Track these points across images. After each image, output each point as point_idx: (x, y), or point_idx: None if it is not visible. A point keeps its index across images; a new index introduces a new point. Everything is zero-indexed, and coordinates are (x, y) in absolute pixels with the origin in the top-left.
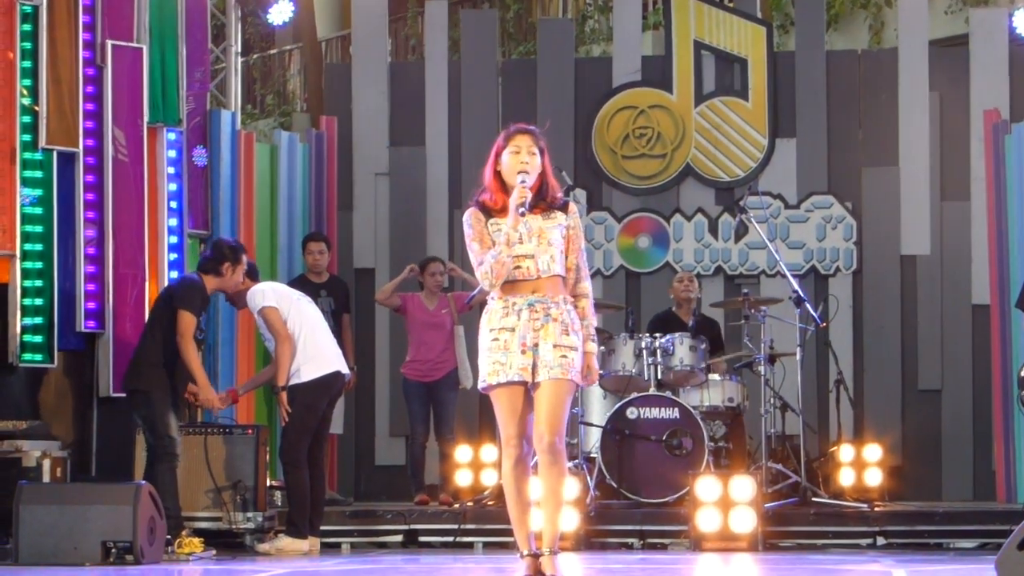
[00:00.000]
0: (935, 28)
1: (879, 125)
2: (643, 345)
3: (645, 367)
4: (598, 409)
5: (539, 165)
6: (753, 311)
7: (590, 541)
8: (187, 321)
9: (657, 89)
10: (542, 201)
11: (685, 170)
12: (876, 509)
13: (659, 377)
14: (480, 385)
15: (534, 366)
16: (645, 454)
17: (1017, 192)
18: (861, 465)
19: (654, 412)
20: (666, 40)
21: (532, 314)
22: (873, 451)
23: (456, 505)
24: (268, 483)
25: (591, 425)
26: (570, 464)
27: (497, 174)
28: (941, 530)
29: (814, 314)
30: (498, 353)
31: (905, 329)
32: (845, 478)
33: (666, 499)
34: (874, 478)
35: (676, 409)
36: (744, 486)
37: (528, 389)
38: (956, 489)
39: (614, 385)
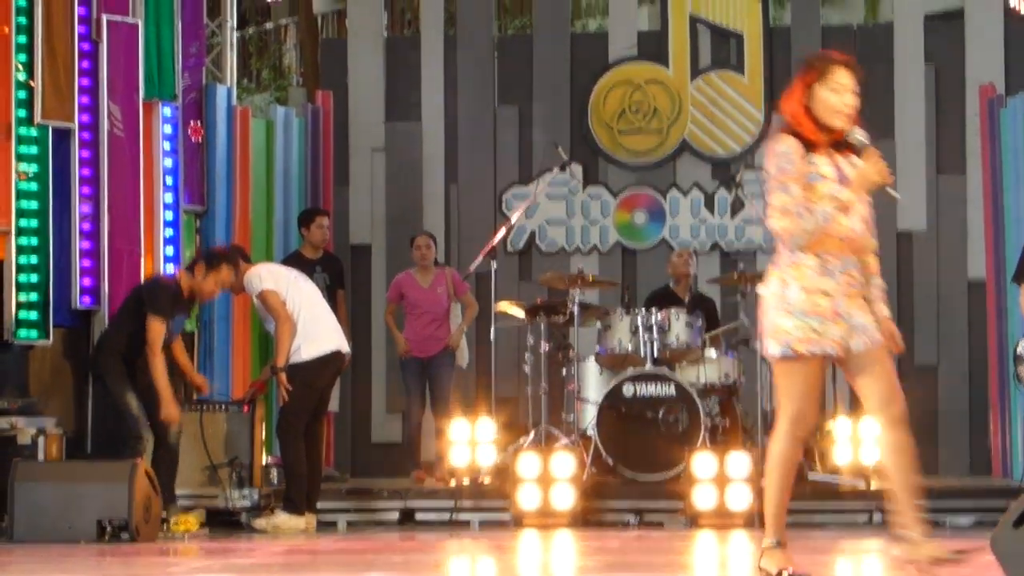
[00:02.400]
0: (930, 1)
1: (875, 99)
2: (639, 321)
3: (641, 344)
4: (594, 385)
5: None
6: (749, 287)
7: (586, 518)
8: (156, 329)
9: (653, 64)
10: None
11: (681, 145)
12: (872, 486)
13: (655, 354)
14: (779, 351)
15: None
16: (641, 431)
17: (1012, 166)
18: (857, 441)
19: (650, 389)
20: (662, 15)
21: (848, 279)
22: (869, 426)
23: (452, 483)
24: (265, 460)
25: (587, 402)
26: (565, 441)
27: (806, 107)
28: (937, 507)
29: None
30: (813, 319)
31: (901, 305)
32: (842, 454)
33: (662, 476)
34: (871, 454)
35: (672, 385)
36: (740, 463)
37: (832, 363)
38: (952, 465)
39: (610, 362)
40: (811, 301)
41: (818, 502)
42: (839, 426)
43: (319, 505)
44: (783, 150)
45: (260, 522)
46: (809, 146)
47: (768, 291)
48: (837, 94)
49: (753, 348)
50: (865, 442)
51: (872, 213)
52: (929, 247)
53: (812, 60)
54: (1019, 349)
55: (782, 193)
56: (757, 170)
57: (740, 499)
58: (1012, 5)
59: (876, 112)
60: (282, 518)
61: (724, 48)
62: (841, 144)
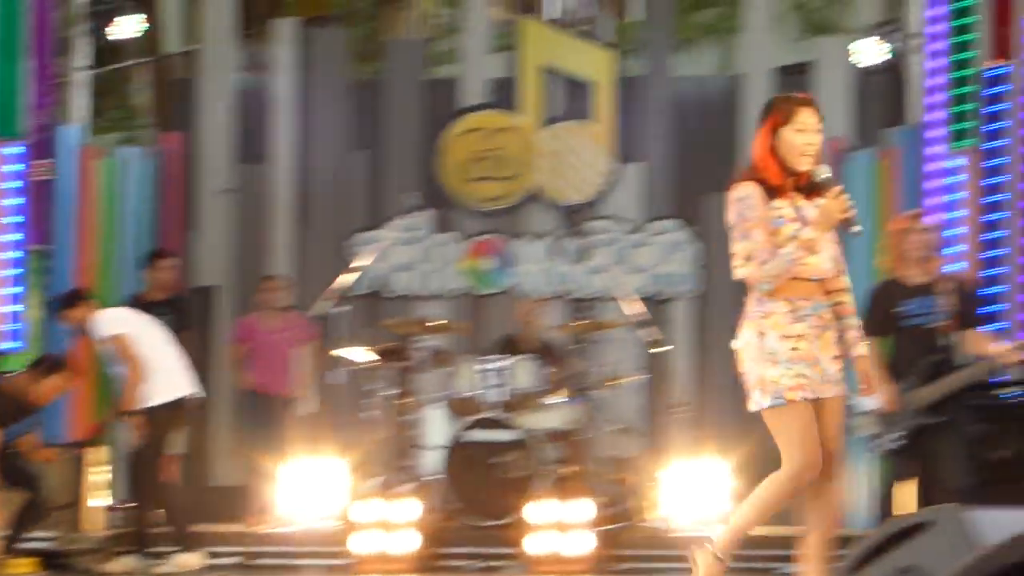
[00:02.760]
0: (781, 55)
1: (724, 150)
2: (486, 367)
3: (488, 390)
4: (439, 431)
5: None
6: (594, 334)
7: (427, 565)
8: None
9: (504, 112)
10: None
11: (531, 193)
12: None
13: (501, 400)
14: (770, 401)
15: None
16: (485, 477)
17: (860, 216)
18: (700, 489)
19: (495, 434)
20: (514, 63)
21: (817, 320)
22: (712, 474)
23: (290, 528)
24: (109, 503)
25: (431, 447)
26: (408, 486)
27: (772, 150)
28: (778, 555)
29: (653, 338)
30: (799, 364)
31: None
32: (683, 502)
33: (505, 522)
34: (714, 502)
35: (517, 432)
36: (580, 509)
37: None
38: (793, 514)
39: (456, 407)
40: (791, 348)
41: (656, 549)
42: (679, 474)
43: (154, 550)
44: (743, 196)
45: (162, 569)
46: (771, 191)
47: (743, 343)
48: (803, 134)
49: (596, 395)
50: (706, 489)
51: (841, 251)
52: None
53: (777, 103)
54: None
55: (745, 240)
56: (604, 219)
57: (580, 545)
58: (852, 61)
59: (725, 165)
60: (181, 559)
61: (576, 97)
62: (805, 187)
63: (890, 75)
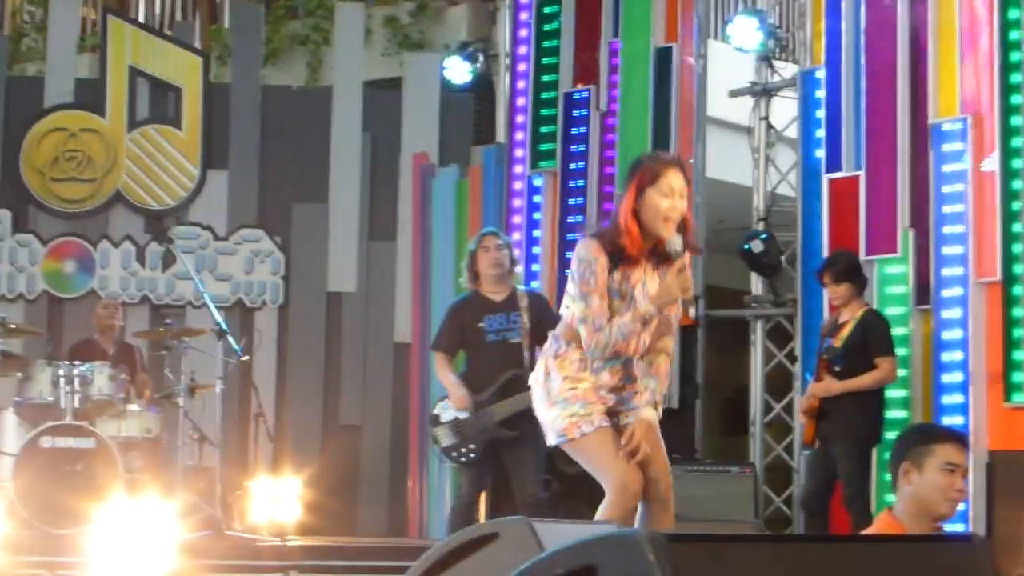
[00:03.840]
0: (370, 69)
1: (311, 162)
2: (61, 373)
3: (63, 395)
4: (12, 438)
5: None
6: (176, 341)
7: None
8: None
9: (89, 112)
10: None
11: (115, 196)
12: (289, 543)
13: (76, 406)
14: (555, 440)
15: None
16: (59, 484)
17: (441, 234)
18: (278, 499)
19: (70, 442)
20: (100, 64)
21: (609, 375)
22: (291, 485)
23: None
24: None
25: (4, 454)
26: None
27: (635, 213)
28: (353, 565)
29: (236, 347)
30: (575, 404)
31: (329, 364)
32: (261, 512)
33: (79, 530)
34: (291, 512)
35: (92, 439)
36: (158, 518)
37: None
38: (372, 524)
39: (29, 413)
40: (571, 388)
41: (235, 559)
42: (259, 485)
43: None
44: (588, 258)
45: None
46: (623, 256)
47: (533, 380)
48: (667, 198)
49: (176, 403)
50: (284, 500)
51: (678, 313)
52: (358, 309)
53: (644, 162)
54: (435, 411)
55: (582, 302)
56: (189, 225)
57: (158, 555)
58: (447, 76)
59: (312, 176)
60: None
61: (163, 102)
62: (660, 254)
63: (477, 94)
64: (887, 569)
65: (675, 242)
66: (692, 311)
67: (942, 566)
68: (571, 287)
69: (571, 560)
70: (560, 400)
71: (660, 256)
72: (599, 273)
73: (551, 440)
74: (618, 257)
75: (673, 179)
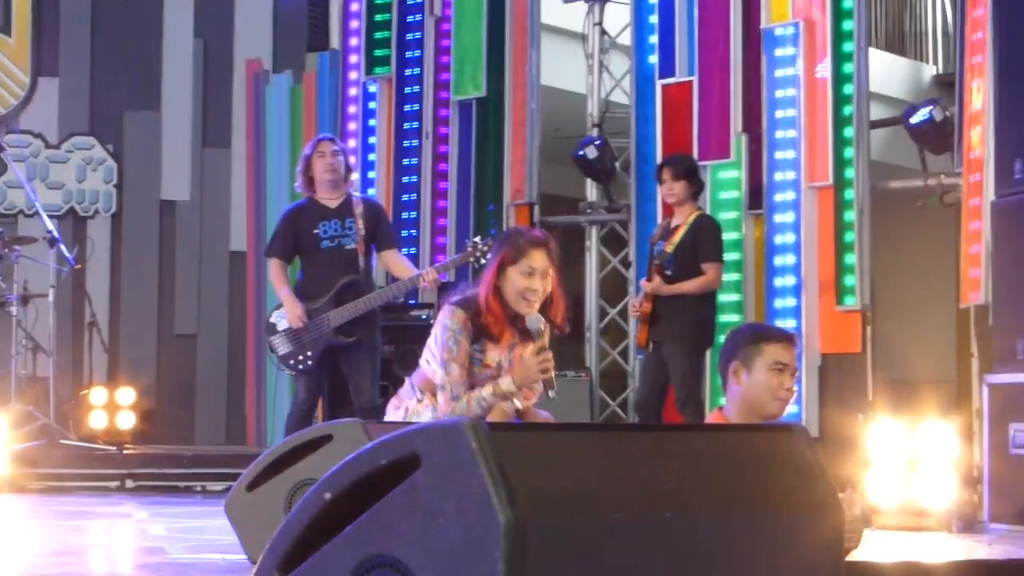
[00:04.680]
0: None
1: (143, 69)
2: None
3: None
4: None
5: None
6: (7, 250)
7: None
8: None
9: None
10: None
11: None
12: (125, 452)
13: None
14: None
15: None
16: None
17: (275, 141)
18: (114, 408)
19: None
20: None
21: None
22: (126, 394)
23: None
24: None
25: None
26: None
27: (496, 289)
28: (190, 473)
29: (68, 255)
30: None
31: (163, 274)
32: (96, 421)
33: None
34: (126, 421)
35: None
36: None
37: None
38: (209, 433)
39: None
40: None
41: (70, 468)
42: (94, 394)
43: None
44: (452, 327)
45: None
46: (486, 332)
47: (392, 407)
48: (527, 277)
49: (8, 312)
50: (121, 410)
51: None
52: (192, 217)
53: (509, 238)
54: (271, 319)
55: (442, 368)
56: (20, 134)
57: None
58: None
59: (144, 84)
60: None
61: None
62: (522, 330)
63: None
64: (709, 455)
65: (534, 320)
66: (552, 392)
67: (763, 453)
68: (434, 347)
69: (396, 450)
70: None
71: (524, 331)
72: (462, 343)
73: None
74: (481, 329)
75: (535, 259)
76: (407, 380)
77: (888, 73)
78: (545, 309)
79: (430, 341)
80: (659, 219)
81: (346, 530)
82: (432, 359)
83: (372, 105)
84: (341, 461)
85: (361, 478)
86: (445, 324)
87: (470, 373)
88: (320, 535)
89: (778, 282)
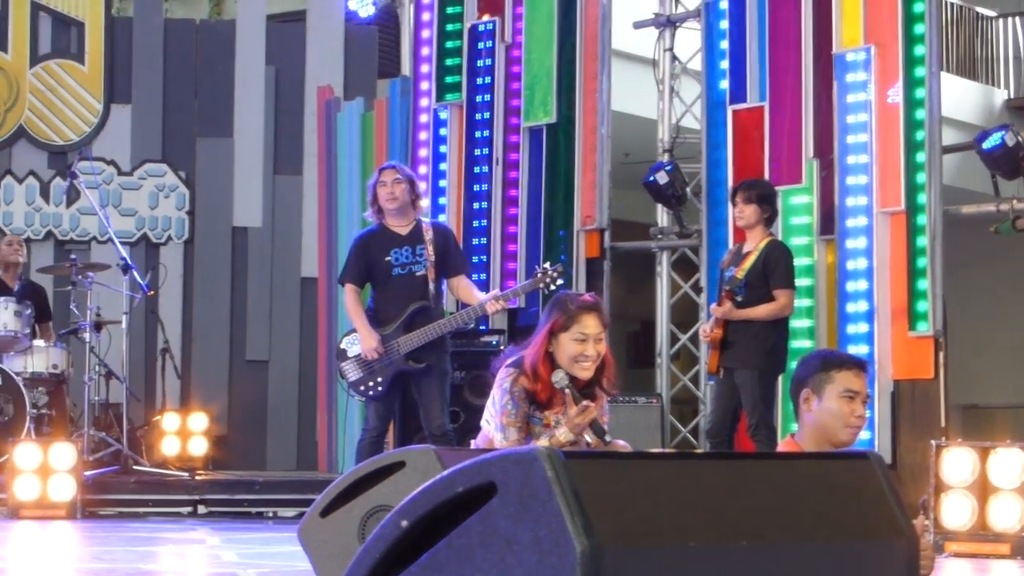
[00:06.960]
0: (274, 3)
1: (215, 96)
2: None
3: None
4: None
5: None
6: (81, 277)
7: None
8: None
9: None
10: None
11: (18, 131)
12: (197, 478)
13: None
14: None
15: None
16: None
17: (347, 168)
18: (186, 434)
19: None
20: None
21: None
22: (198, 420)
23: None
24: None
25: None
26: None
27: (548, 355)
28: (262, 499)
29: (141, 282)
30: None
31: (235, 300)
32: (169, 447)
33: None
34: (199, 447)
35: None
36: (64, 453)
37: None
38: (280, 459)
39: None
40: None
41: (142, 495)
42: (167, 420)
43: None
44: (512, 391)
45: None
46: (536, 400)
47: None
48: (580, 343)
49: (82, 339)
50: (193, 435)
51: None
52: (264, 244)
53: (561, 305)
54: (342, 345)
55: (500, 432)
56: (93, 160)
57: (63, 490)
58: (352, 7)
59: (216, 110)
60: None
61: (65, 36)
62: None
63: (382, 26)
64: (783, 485)
65: (560, 379)
66: (608, 437)
67: (838, 482)
68: (492, 409)
69: (472, 479)
70: None
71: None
72: (520, 405)
73: None
74: (531, 396)
75: (588, 324)
76: (472, 443)
77: (960, 98)
78: (599, 372)
79: (489, 403)
80: (730, 244)
81: (422, 558)
82: (492, 420)
83: (443, 132)
84: (416, 488)
85: (437, 506)
86: (504, 387)
87: (529, 433)
88: (396, 563)
89: (850, 308)
